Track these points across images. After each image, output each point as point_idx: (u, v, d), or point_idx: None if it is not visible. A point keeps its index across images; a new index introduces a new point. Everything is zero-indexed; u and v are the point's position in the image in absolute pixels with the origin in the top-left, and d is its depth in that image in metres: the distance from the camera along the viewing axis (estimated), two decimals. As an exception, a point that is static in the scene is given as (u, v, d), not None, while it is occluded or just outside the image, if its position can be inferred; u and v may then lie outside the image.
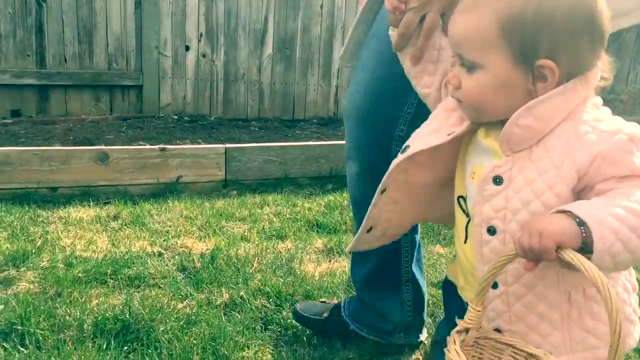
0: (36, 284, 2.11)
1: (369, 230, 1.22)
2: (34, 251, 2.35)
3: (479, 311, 0.98)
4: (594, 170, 0.91)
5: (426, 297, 1.89)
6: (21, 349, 1.71)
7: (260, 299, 2.13)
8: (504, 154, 0.98)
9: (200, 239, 2.69)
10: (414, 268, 1.81)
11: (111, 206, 3.03)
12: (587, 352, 1.00)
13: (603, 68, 0.99)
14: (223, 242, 2.64)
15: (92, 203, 3.03)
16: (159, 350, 1.76)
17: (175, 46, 5.08)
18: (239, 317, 2.01)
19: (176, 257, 2.47)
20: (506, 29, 0.93)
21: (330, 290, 2.21)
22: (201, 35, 5.12)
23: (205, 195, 3.34)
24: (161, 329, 1.86)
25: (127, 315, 1.91)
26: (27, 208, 2.86)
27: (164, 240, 2.63)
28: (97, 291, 2.10)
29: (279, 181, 3.60)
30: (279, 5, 5.31)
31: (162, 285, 2.20)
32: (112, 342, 1.78)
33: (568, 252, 0.85)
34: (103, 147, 3.31)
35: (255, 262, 2.45)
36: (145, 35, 4.97)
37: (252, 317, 2.01)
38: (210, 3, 5.09)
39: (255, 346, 1.84)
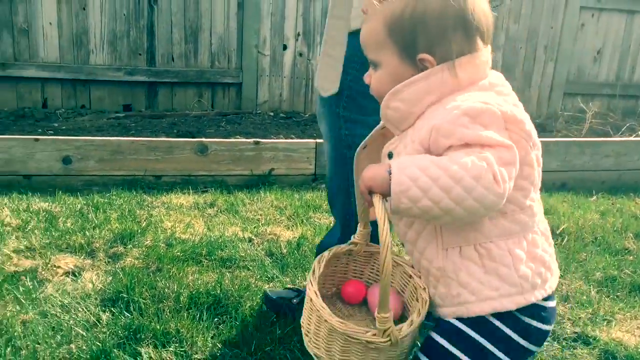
0: (140, 260, 2.33)
1: None
2: (139, 231, 2.59)
3: (361, 230, 1.24)
4: (432, 142, 1.01)
5: None
6: (126, 313, 1.92)
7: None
8: (395, 133, 1.13)
9: (288, 228, 2.83)
10: None
11: (208, 194, 3.24)
12: (462, 307, 1.09)
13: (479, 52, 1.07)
14: (309, 232, 2.77)
15: (191, 191, 3.26)
16: (245, 323, 1.91)
17: (274, 45, 5.29)
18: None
19: (265, 243, 2.63)
20: (391, 30, 1.06)
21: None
22: (298, 34, 5.30)
23: (295, 187, 3.49)
24: (248, 305, 2.02)
25: (219, 291, 2.08)
26: (134, 193, 3.13)
27: (254, 227, 2.80)
28: (193, 269, 2.29)
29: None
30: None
31: (250, 267, 2.36)
32: (205, 313, 1.95)
33: (374, 196, 1.01)
34: (203, 139, 3.54)
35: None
36: (245, 34, 5.22)
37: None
38: (308, 3, 5.26)
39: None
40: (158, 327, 1.84)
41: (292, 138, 4.38)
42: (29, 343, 1.74)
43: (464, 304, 1.08)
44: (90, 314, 1.92)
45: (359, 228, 1.24)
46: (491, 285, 1.07)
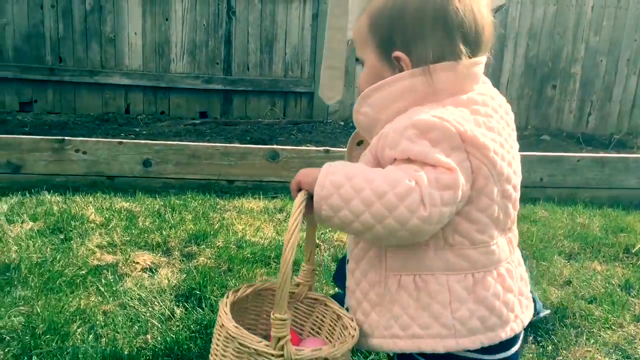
0: (212, 259, 2.43)
1: None
2: (212, 232, 2.70)
3: (304, 267, 1.15)
4: (380, 151, 0.96)
5: None
6: (198, 309, 2.02)
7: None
8: (368, 140, 1.05)
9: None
10: None
11: (278, 200, 3.33)
12: (390, 340, 1.00)
13: (463, 62, 0.97)
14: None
15: (262, 196, 3.36)
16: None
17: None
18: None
19: (331, 249, 2.68)
20: (371, 25, 1.01)
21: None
22: (371, 45, 5.35)
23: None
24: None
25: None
26: (208, 196, 3.26)
27: (321, 233, 2.85)
28: (262, 270, 2.36)
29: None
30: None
31: (317, 272, 2.41)
32: (271, 314, 2.02)
33: (300, 192, 0.95)
34: (275, 146, 3.64)
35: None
36: (319, 45, 5.31)
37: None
38: (381, 15, 5.30)
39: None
40: (227, 324, 1.92)
41: (361, 147, 4.42)
42: (109, 331, 1.86)
43: (393, 338, 0.99)
44: (165, 307, 2.02)
45: (303, 265, 1.13)
46: (421, 323, 0.97)
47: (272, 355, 0.91)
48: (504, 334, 1.00)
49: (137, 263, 2.35)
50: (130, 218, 2.82)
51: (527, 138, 5.41)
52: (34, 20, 4.99)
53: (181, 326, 1.91)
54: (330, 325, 1.11)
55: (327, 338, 1.13)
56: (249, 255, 2.47)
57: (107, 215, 2.81)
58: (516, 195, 1.02)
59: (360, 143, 1.19)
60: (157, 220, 2.82)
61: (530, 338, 2.01)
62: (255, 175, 3.46)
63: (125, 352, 1.75)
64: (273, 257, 2.48)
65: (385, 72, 1.00)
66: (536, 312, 1.98)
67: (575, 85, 5.70)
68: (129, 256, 2.39)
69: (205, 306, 2.03)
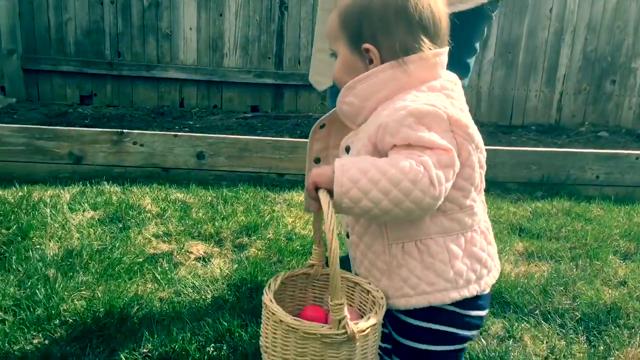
0: (262, 251, 2.49)
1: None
2: (262, 224, 2.76)
3: (316, 249, 1.23)
4: (379, 139, 1.06)
5: None
6: (249, 298, 2.07)
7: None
8: (352, 127, 1.17)
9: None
10: None
11: (328, 193, 3.36)
12: (402, 299, 1.13)
13: (431, 52, 1.09)
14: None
15: (312, 189, 3.39)
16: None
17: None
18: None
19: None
20: (342, 20, 1.13)
21: (525, 292, 2.24)
22: (423, 39, 5.31)
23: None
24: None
25: (333, 286, 2.17)
26: (259, 189, 3.32)
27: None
28: (310, 263, 2.40)
29: (486, 184, 3.62)
30: (503, 12, 5.27)
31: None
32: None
33: (320, 191, 1.03)
34: (325, 140, 3.66)
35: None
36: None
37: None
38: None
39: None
40: (277, 313, 1.97)
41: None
42: (164, 317, 1.93)
43: (404, 297, 1.13)
44: (218, 296, 2.09)
45: (314, 247, 1.24)
46: (428, 281, 1.12)
47: (338, 335, 1.01)
48: (490, 280, 1.18)
49: (191, 252, 2.43)
50: (184, 209, 2.90)
51: (584, 135, 5.27)
52: (95, 16, 5.17)
53: (234, 314, 1.96)
54: (349, 292, 1.23)
55: (349, 305, 1.24)
56: (298, 247, 2.52)
57: (162, 206, 2.91)
58: (484, 163, 1.18)
59: (322, 126, 1.33)
60: (210, 211, 2.90)
61: (583, 337, 1.98)
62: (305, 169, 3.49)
63: (179, 337, 1.82)
64: (322, 250, 2.51)
65: (357, 63, 1.13)
66: None
67: (635, 80, 5.51)
68: (183, 246, 2.47)
69: (256, 296, 2.08)
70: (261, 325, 1.15)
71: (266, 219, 2.85)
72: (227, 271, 2.28)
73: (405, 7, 1.08)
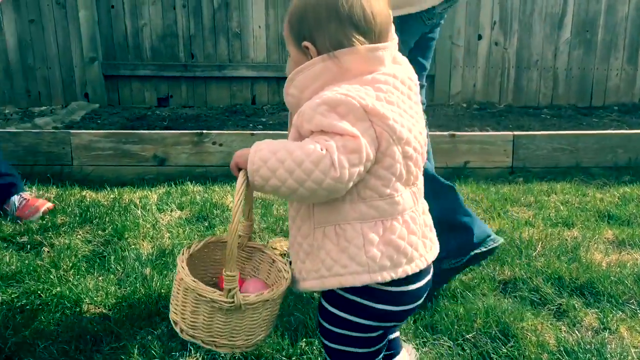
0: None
1: None
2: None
3: (243, 223, 1.34)
4: (299, 126, 1.17)
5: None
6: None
7: (539, 280, 2.20)
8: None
9: (485, 221, 2.83)
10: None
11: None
12: (319, 280, 1.22)
13: (364, 47, 1.18)
14: (507, 225, 2.74)
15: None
16: (445, 312, 1.99)
17: (468, 35, 5.23)
18: (517, 293, 2.13)
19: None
20: (288, 24, 1.25)
21: (618, 281, 2.16)
22: (494, 22, 5.18)
23: (491, 180, 3.46)
24: (445, 295, 2.09)
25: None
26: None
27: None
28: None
29: (568, 170, 3.52)
30: (578, -13, 5.06)
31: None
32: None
33: (241, 172, 1.18)
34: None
35: (539, 246, 2.50)
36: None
37: (529, 296, 2.11)
38: (505, -10, 5.11)
39: (531, 319, 1.95)
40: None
41: (486, 130, 4.33)
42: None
43: (320, 278, 1.22)
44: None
45: (242, 221, 1.32)
46: (342, 263, 1.19)
47: (225, 302, 1.15)
48: (410, 269, 1.23)
49: (275, 249, 2.49)
50: (265, 206, 2.98)
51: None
52: (168, 20, 5.34)
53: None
54: (268, 269, 1.36)
55: (266, 279, 1.39)
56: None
57: (244, 203, 2.99)
58: (417, 155, 1.24)
59: None
60: (290, 207, 2.96)
61: (683, 330, 1.90)
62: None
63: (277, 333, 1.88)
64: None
65: (302, 60, 1.23)
66: (478, 242, 2.08)
67: None
68: (267, 242, 2.54)
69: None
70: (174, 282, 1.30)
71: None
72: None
73: (335, 6, 1.18)
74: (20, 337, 1.89)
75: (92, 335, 1.88)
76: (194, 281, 1.19)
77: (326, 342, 1.33)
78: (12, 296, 2.14)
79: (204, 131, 3.52)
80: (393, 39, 1.26)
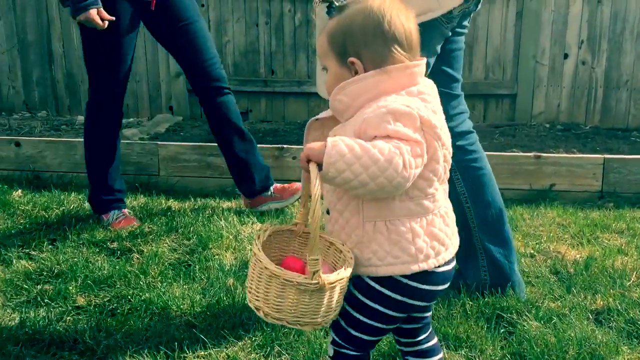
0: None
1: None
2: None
3: (301, 211, 1.45)
4: (362, 132, 1.28)
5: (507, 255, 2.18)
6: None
7: (635, 312, 2.09)
8: (340, 121, 1.38)
9: (573, 247, 2.72)
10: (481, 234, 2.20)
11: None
12: (371, 268, 1.34)
13: (410, 62, 1.33)
14: (598, 252, 2.62)
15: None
16: (534, 340, 1.91)
17: (553, 54, 5.08)
18: (612, 324, 2.03)
19: (549, 260, 2.57)
20: (330, 41, 1.36)
21: None
22: (582, 41, 5.01)
23: (578, 204, 3.32)
24: (534, 323, 2.01)
25: (504, 303, 2.11)
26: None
27: (536, 243, 2.75)
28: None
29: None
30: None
31: (534, 284, 2.34)
32: (491, 322, 2.01)
33: (311, 164, 1.25)
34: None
35: (634, 276, 2.38)
36: (523, 45, 5.11)
37: (626, 328, 2.00)
38: (594, 8, 4.94)
39: (627, 353, 1.85)
40: (450, 330, 1.96)
41: (572, 152, 4.17)
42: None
43: (373, 266, 1.33)
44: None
45: (300, 209, 1.47)
46: (393, 254, 1.32)
47: (311, 284, 1.25)
48: (447, 256, 1.39)
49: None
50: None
51: None
52: (251, 37, 5.48)
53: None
54: (324, 250, 1.43)
55: (323, 260, 1.45)
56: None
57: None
58: (449, 157, 1.38)
59: (317, 120, 1.52)
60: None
61: None
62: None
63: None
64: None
65: (345, 73, 1.35)
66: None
67: None
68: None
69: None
70: (248, 269, 1.38)
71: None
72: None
73: (381, 25, 1.31)
74: (112, 340, 1.96)
75: (179, 342, 1.93)
76: (278, 268, 1.29)
77: (341, 323, 1.43)
78: (104, 300, 2.23)
79: (285, 146, 3.57)
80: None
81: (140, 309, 2.13)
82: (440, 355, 1.56)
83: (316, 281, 1.24)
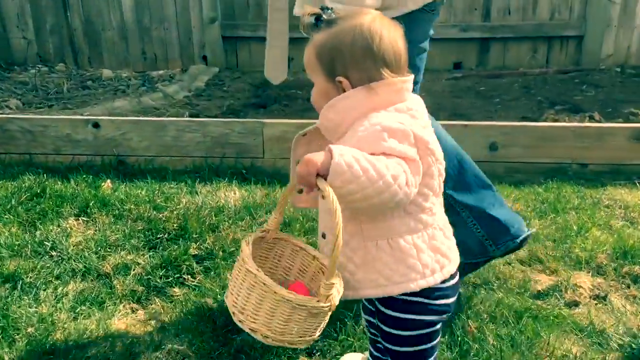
0: None
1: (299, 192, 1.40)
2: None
3: (275, 218, 1.40)
4: (358, 148, 1.20)
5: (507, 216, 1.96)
6: None
7: None
8: (331, 141, 1.33)
9: None
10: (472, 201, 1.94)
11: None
12: (378, 289, 1.32)
13: (397, 80, 1.30)
14: None
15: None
16: None
17: (628, -7, 4.74)
18: None
19: None
20: (318, 57, 1.32)
21: None
22: (664, -20, 4.67)
23: None
24: None
25: None
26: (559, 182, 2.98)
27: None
28: None
29: None
30: None
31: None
32: None
33: (320, 179, 1.16)
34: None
35: None
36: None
37: None
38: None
39: None
40: None
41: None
42: None
43: (380, 287, 1.32)
44: None
45: (275, 215, 1.41)
46: (400, 272, 1.31)
47: (324, 307, 1.23)
48: (452, 268, 1.37)
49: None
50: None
51: None
52: None
53: None
54: (310, 262, 1.41)
55: (299, 269, 1.45)
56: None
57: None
58: (442, 170, 1.35)
59: (304, 135, 1.47)
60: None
61: None
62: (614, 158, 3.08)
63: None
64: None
65: (331, 91, 1.32)
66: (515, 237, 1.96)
67: None
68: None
69: None
70: (230, 284, 1.32)
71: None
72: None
73: (370, 47, 1.28)
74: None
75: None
76: (290, 293, 1.23)
77: (397, 348, 1.40)
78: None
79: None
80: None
81: None
82: None
83: (329, 304, 1.23)
